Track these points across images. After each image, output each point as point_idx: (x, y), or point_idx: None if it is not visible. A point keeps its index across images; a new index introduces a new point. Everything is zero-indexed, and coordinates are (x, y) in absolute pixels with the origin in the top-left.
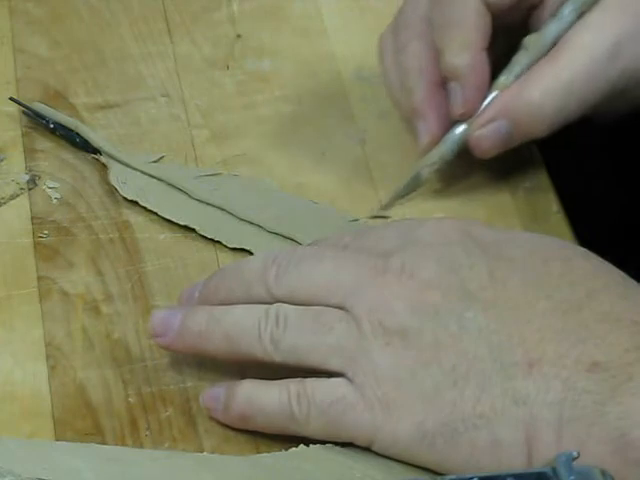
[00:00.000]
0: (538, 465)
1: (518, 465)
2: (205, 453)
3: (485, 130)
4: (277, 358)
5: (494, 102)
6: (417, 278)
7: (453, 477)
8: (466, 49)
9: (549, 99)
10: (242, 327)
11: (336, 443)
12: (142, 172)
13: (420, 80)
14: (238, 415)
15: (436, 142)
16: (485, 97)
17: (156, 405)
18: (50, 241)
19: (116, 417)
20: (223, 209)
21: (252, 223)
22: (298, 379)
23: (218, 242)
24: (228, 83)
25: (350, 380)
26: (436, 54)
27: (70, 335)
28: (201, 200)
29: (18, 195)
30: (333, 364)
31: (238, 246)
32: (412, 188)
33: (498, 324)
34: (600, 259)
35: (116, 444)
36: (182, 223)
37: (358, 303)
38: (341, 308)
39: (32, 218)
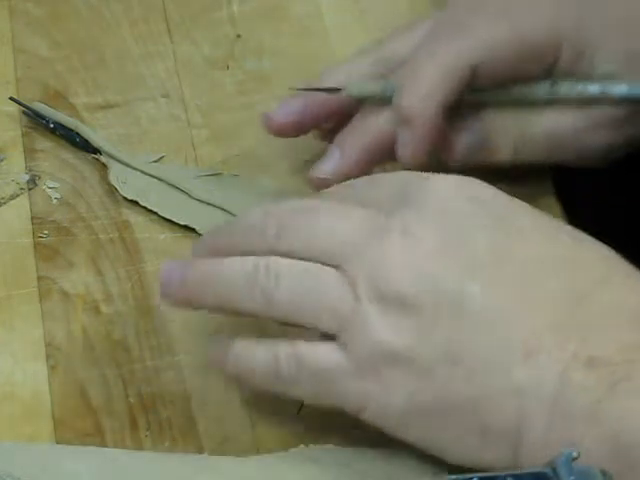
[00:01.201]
0: (524, 459)
1: (503, 455)
2: (205, 454)
3: None
4: (269, 313)
5: None
6: (419, 243)
7: (453, 477)
8: (423, 99)
9: None
10: (235, 279)
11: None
12: (142, 172)
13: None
14: (231, 372)
15: None
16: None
17: (156, 405)
18: (50, 241)
19: (116, 417)
20: (223, 209)
21: None
22: (289, 340)
23: None
24: (228, 83)
25: (343, 344)
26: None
27: (70, 335)
28: (201, 200)
29: (18, 195)
30: (327, 326)
31: None
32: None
33: (499, 304)
34: (610, 249)
35: (116, 444)
36: (182, 223)
37: (355, 266)
38: (338, 267)
39: (32, 218)
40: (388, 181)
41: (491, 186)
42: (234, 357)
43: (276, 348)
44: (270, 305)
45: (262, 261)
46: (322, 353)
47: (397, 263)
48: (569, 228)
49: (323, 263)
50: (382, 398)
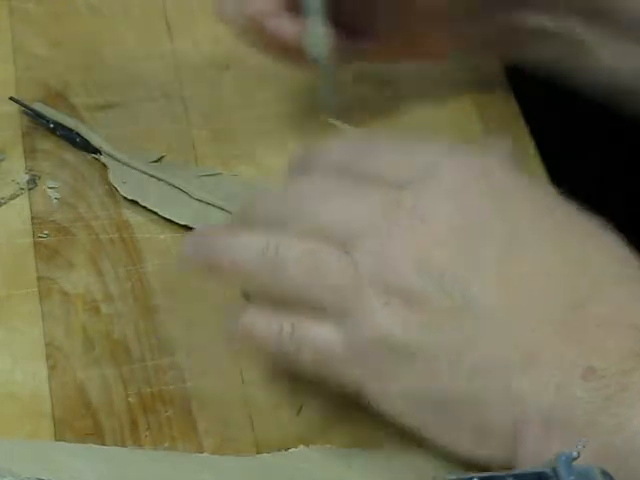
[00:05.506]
0: (522, 461)
1: (498, 456)
2: (205, 453)
3: None
4: (277, 289)
5: None
6: (428, 227)
7: (453, 477)
8: None
9: None
10: (247, 253)
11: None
12: (142, 172)
13: None
14: (244, 336)
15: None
16: None
17: (156, 405)
18: (50, 241)
19: (116, 417)
20: (223, 209)
21: None
22: (295, 315)
23: None
24: (228, 83)
25: (343, 329)
26: None
27: (70, 335)
28: (201, 200)
29: (18, 195)
30: (330, 308)
31: None
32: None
33: (501, 308)
34: (622, 243)
35: (116, 444)
36: (182, 223)
37: (362, 250)
38: (347, 248)
39: (32, 218)
40: (395, 152)
41: (513, 170)
42: (249, 320)
43: (281, 321)
44: (277, 281)
45: (273, 240)
46: (321, 335)
47: (403, 252)
48: (584, 220)
49: (334, 243)
50: (379, 387)
